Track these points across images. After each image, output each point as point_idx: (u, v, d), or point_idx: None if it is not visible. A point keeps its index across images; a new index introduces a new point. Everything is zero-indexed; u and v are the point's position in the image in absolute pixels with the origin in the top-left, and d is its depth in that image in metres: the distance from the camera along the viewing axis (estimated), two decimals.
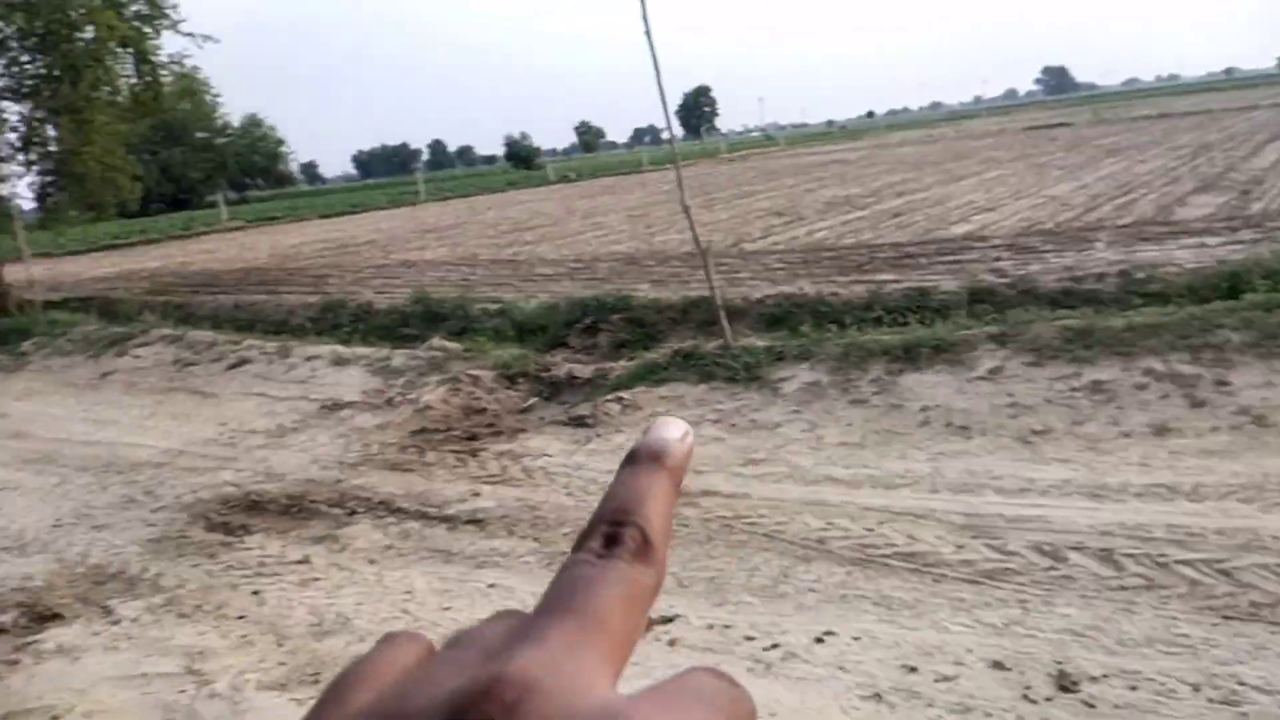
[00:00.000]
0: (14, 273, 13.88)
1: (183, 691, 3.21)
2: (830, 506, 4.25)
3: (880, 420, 5.23)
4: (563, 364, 7.20)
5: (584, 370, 7.02)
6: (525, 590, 3.75)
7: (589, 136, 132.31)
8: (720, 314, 6.70)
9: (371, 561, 4.20)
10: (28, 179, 14.30)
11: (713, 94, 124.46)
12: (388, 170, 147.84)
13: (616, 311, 8.33)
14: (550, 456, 5.40)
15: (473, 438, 5.95)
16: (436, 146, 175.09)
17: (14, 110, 13.73)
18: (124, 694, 3.25)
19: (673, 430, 0.34)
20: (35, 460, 6.54)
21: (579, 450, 5.44)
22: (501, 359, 7.23)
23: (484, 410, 6.48)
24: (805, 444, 5.09)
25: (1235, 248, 7.54)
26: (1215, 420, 4.54)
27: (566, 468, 5.17)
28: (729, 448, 5.17)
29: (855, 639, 3.14)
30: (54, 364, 10.04)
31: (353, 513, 4.83)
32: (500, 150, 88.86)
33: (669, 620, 3.39)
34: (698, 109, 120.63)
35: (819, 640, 3.16)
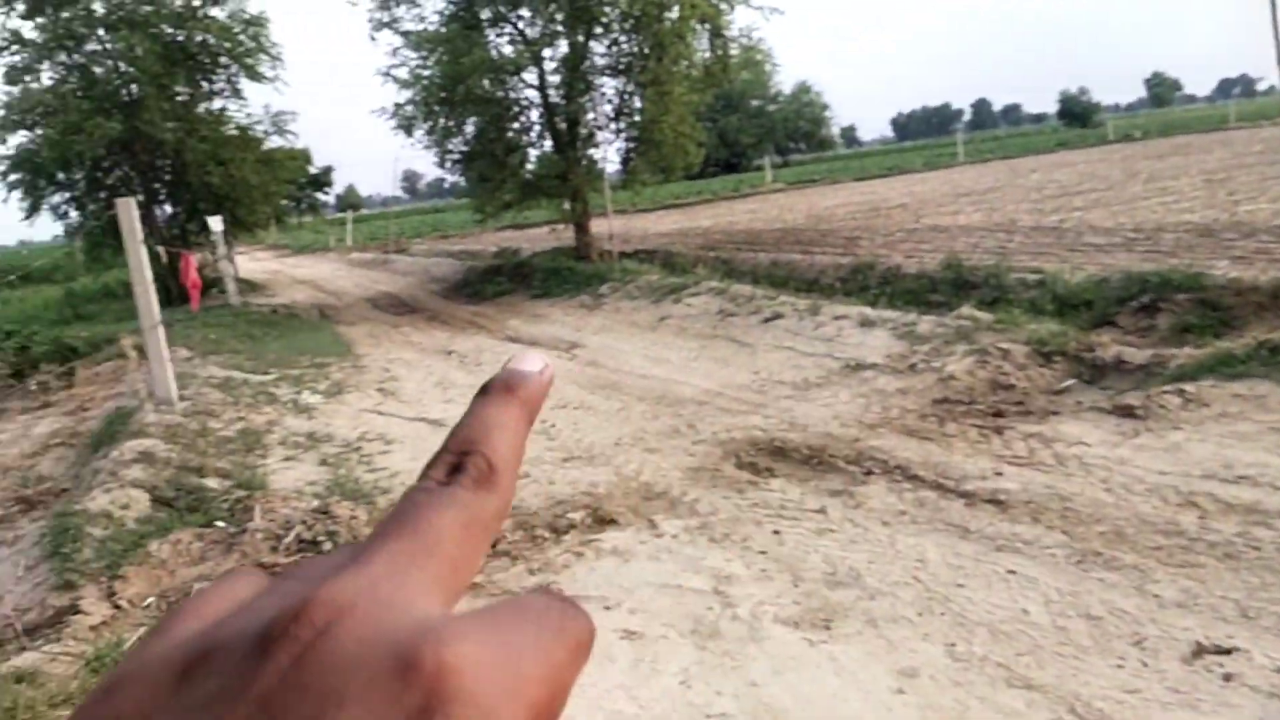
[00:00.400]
0: (598, 226, 16.50)
1: (710, 609, 3.56)
2: None
3: None
4: (1110, 345, 6.43)
5: (1137, 355, 6.20)
6: (1049, 583, 3.46)
7: (1161, 89, 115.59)
8: None
9: (885, 524, 4.21)
10: (615, 145, 16.83)
11: None
12: (925, 132, 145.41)
13: (1183, 290, 7.19)
14: (1088, 446, 4.88)
15: (998, 414, 5.62)
16: (980, 106, 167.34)
17: (610, 85, 16.19)
18: (662, 599, 3.71)
19: (530, 363, 0.33)
20: (604, 387, 7.72)
21: (1124, 443, 4.83)
22: (1037, 334, 6.70)
23: (1013, 387, 6.08)
24: None
25: None
26: None
27: (1107, 460, 4.62)
28: None
29: None
30: (623, 306, 11.75)
31: (869, 472, 4.89)
32: (1052, 108, 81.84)
33: (1225, 652, 2.87)
34: None
35: None
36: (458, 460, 0.29)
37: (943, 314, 7.94)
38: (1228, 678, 2.77)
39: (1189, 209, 12.61)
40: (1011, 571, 3.60)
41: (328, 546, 4.51)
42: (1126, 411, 5.24)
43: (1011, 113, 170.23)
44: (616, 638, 3.39)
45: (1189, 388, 5.32)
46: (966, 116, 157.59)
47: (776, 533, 4.23)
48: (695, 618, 3.50)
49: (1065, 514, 4.07)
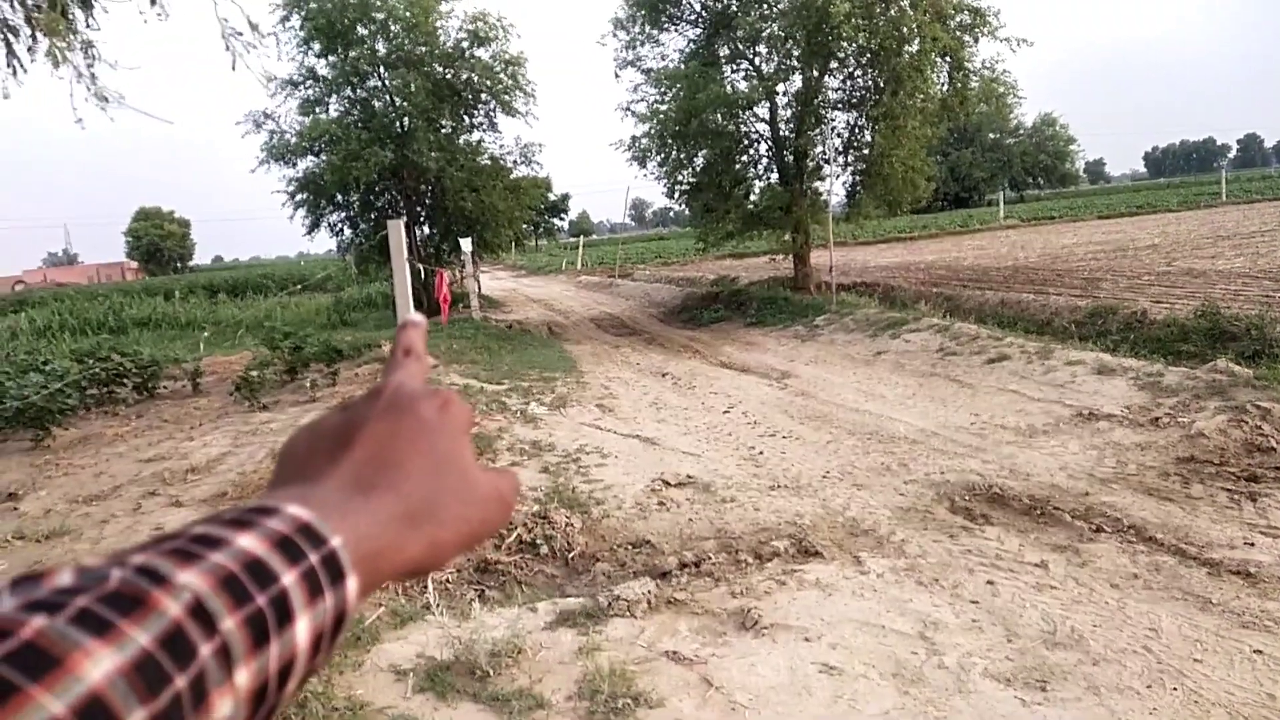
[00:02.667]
0: (817, 257, 16.40)
1: (914, 654, 3.50)
2: None
3: None
4: None
5: None
6: None
7: None
8: None
9: (1114, 586, 3.96)
10: (842, 178, 16.70)
11: None
12: (1183, 169, 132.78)
13: None
14: None
15: (1253, 479, 5.11)
16: (1249, 141, 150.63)
17: (842, 119, 16.11)
18: (863, 637, 3.67)
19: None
20: (814, 418, 7.69)
21: None
22: None
23: (1273, 450, 5.50)
24: None
25: None
26: None
27: None
28: None
29: None
30: (838, 338, 11.63)
31: (1099, 529, 4.60)
32: None
33: None
34: None
35: None
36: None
37: (1194, 366, 7.30)
38: None
39: None
40: (1258, 651, 3.29)
41: (544, 551, 4.82)
42: None
43: None
44: (815, 671, 3.41)
45: None
46: (1232, 153, 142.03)
47: (990, 583, 4.08)
48: (898, 661, 3.45)
49: None
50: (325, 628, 0.37)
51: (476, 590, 4.44)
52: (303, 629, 0.35)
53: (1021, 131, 66.68)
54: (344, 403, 0.51)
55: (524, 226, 21.11)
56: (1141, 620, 3.61)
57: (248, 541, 0.35)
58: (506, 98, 17.75)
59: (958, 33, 14.32)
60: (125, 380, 10.52)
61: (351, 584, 0.38)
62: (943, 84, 15.02)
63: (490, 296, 23.29)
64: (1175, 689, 3.10)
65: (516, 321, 17.57)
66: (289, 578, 0.35)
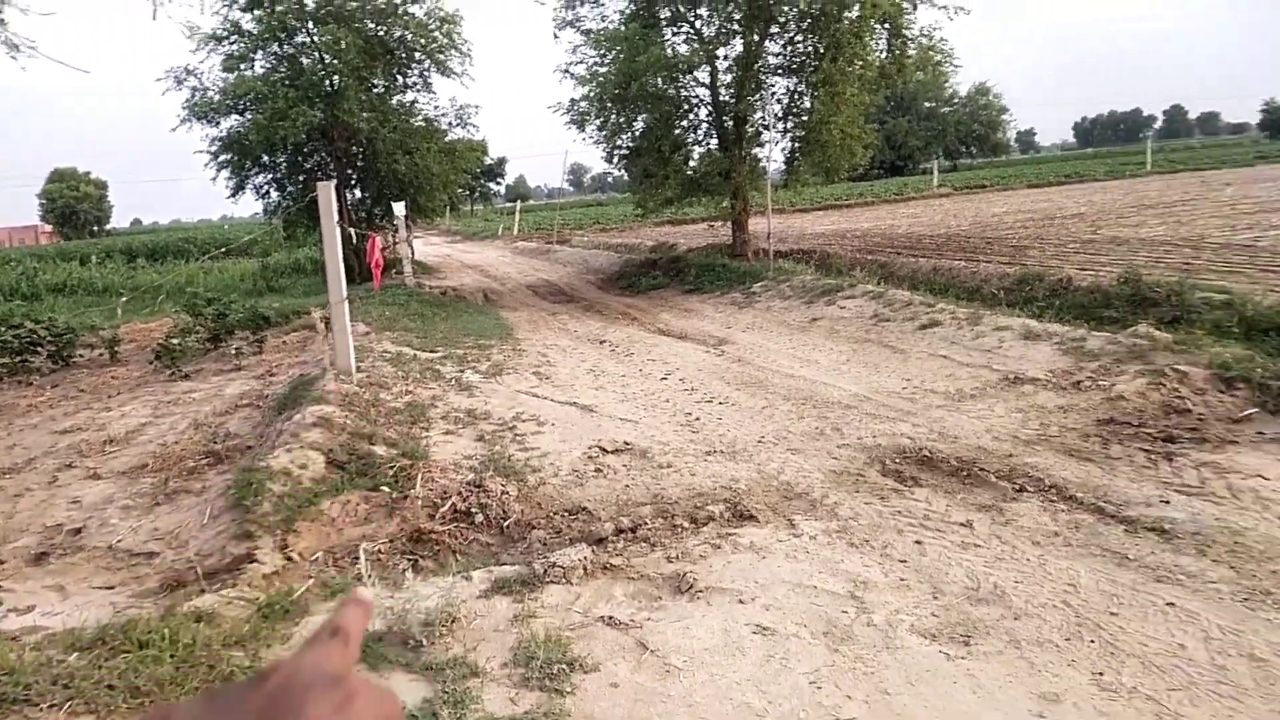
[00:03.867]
0: (756, 224, 16.45)
1: (844, 612, 3.56)
2: None
3: None
4: None
5: None
6: (1211, 619, 3.27)
7: None
8: None
9: (1035, 544, 4.08)
10: (781, 144, 16.72)
11: None
12: (1111, 139, 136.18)
13: None
14: (1266, 480, 4.55)
15: (1169, 439, 5.30)
16: (1174, 113, 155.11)
17: (781, 84, 16.10)
18: (796, 598, 3.73)
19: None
20: (750, 384, 7.74)
21: None
22: (1220, 357, 6.25)
23: (1188, 411, 5.71)
24: None
25: None
26: None
27: None
28: None
29: None
30: (774, 305, 11.71)
31: (1021, 489, 4.73)
32: (1254, 118, 75.04)
33: None
34: None
35: None
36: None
37: (1116, 331, 7.52)
38: None
39: None
40: (1171, 604, 3.42)
41: (479, 519, 4.77)
42: None
43: (1209, 122, 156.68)
44: (749, 632, 3.45)
45: None
46: (1158, 124, 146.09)
47: (919, 543, 4.17)
48: (829, 620, 3.51)
49: (1235, 549, 3.82)
50: None
51: (410, 560, 4.38)
52: None
53: (956, 101, 67.63)
54: (212, 690, 0.44)
55: (459, 190, 20.67)
56: (1061, 576, 3.73)
57: None
58: (441, 56, 17.30)
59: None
60: (39, 349, 10.12)
61: None
62: (882, 51, 15.09)
63: (424, 262, 22.90)
64: (1093, 641, 3.21)
65: (451, 288, 17.30)
66: None
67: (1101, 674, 3.01)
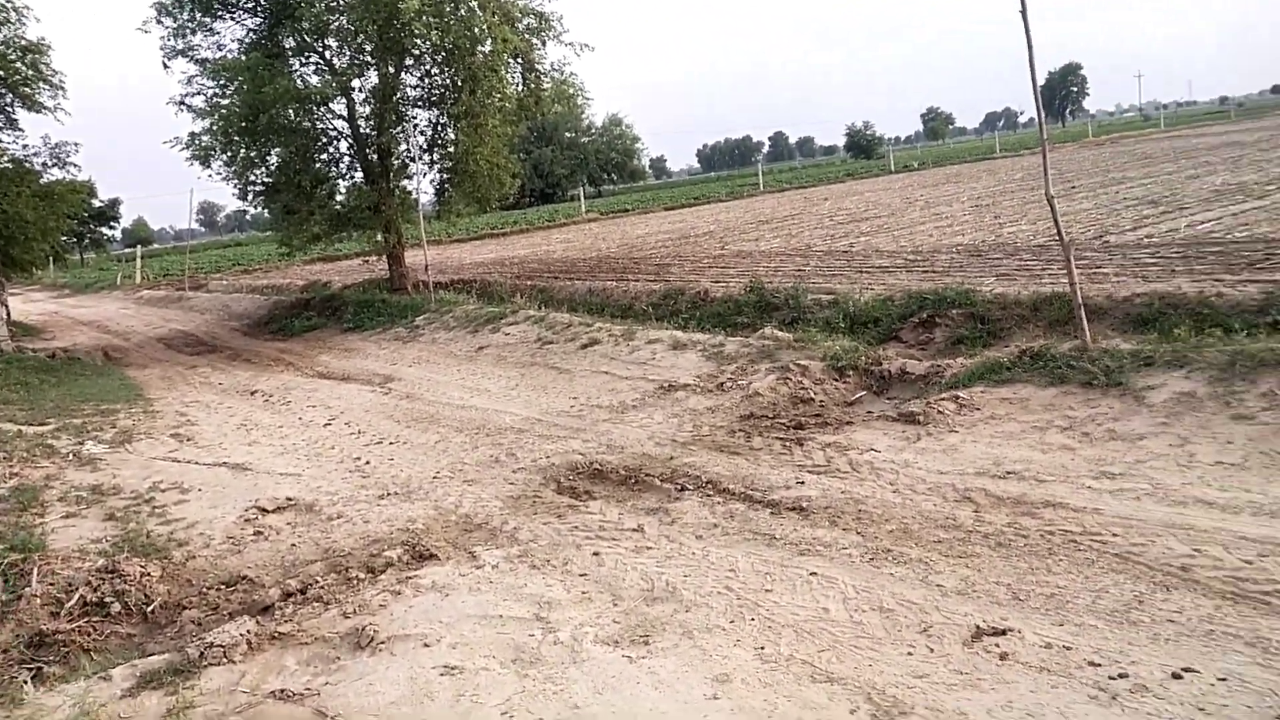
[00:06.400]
0: (412, 257, 16.18)
1: (531, 635, 3.58)
2: (1199, 532, 3.74)
3: (1270, 440, 4.49)
4: (895, 358, 6.99)
5: (918, 366, 6.77)
6: (846, 581, 3.72)
7: (936, 123, 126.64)
8: (1079, 312, 6.12)
9: (699, 537, 4.39)
10: (430, 176, 16.61)
11: (1083, 72, 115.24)
12: (729, 163, 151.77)
13: (956, 306, 7.92)
14: (877, 451, 5.28)
15: (799, 426, 5.98)
16: (778, 138, 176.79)
17: (424, 117, 15.99)
18: (483, 630, 3.68)
19: None
20: (421, 420, 7.58)
21: (908, 447, 5.27)
22: (831, 350, 7.18)
23: (811, 400, 6.48)
24: (1173, 460, 4.51)
25: None
26: None
27: (894, 464, 5.03)
28: (1080, 458, 4.73)
29: (1220, 679, 2.76)
30: (439, 337, 11.58)
31: (683, 489, 5.07)
32: (841, 140, 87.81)
33: (1000, 633, 3.19)
34: (1063, 89, 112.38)
35: (1176, 676, 2.81)
36: None
37: (748, 335, 8.36)
38: (1003, 657, 3.07)
39: (960, 232, 13.88)
40: (813, 574, 3.84)
41: (116, 609, 4.19)
42: (910, 418, 5.71)
43: (806, 145, 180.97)
44: (436, 675, 3.34)
45: (963, 394, 5.87)
46: (765, 149, 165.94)
47: (596, 554, 4.31)
48: (517, 646, 3.50)
49: (859, 516, 4.39)
50: None
51: (31, 670, 3.73)
52: None
53: (594, 131, 71.60)
54: None
55: (62, 239, 18.04)
56: (722, 564, 4.04)
57: None
58: (27, 90, 15.06)
59: (526, 35, 14.90)
60: None
61: None
62: (518, 84, 15.55)
63: (24, 323, 19.77)
64: (753, 619, 3.51)
65: (61, 349, 15.09)
66: None
67: (763, 648, 3.29)
